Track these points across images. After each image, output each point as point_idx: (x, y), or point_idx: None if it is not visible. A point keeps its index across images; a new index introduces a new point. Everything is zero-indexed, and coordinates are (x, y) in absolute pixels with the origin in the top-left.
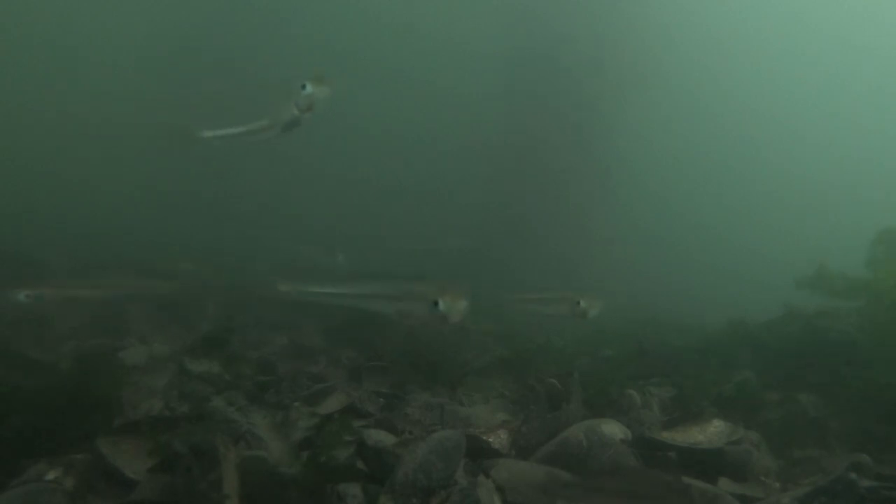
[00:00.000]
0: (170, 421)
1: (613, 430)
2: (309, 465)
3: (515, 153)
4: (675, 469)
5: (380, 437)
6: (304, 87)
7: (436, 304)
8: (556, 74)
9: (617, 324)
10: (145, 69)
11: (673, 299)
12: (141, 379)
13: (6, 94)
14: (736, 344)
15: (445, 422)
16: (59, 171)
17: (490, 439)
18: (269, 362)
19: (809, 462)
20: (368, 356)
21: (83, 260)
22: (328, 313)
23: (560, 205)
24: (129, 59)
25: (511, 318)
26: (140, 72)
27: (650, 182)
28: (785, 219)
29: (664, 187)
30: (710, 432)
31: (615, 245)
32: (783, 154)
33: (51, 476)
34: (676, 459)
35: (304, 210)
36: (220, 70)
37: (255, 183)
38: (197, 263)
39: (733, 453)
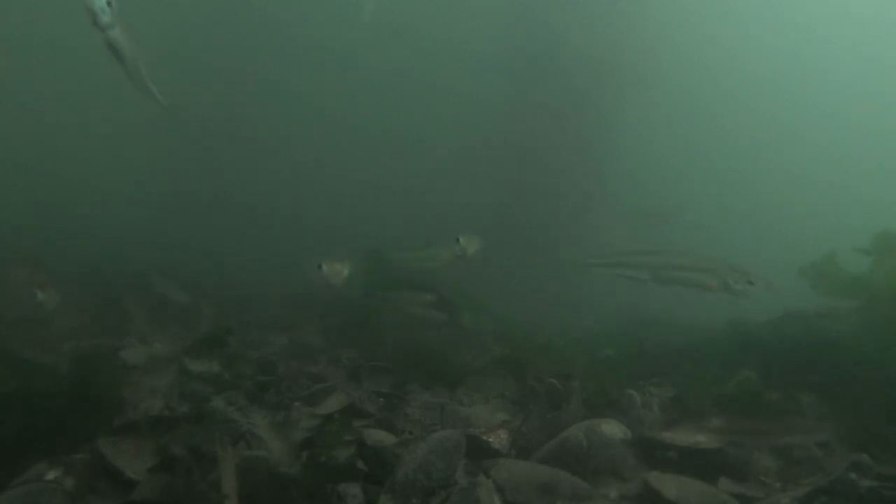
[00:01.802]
0: (170, 421)
1: (613, 429)
2: (309, 465)
3: (515, 153)
4: (675, 469)
5: (380, 437)
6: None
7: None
8: (555, 75)
9: (617, 324)
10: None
11: (674, 299)
12: (141, 379)
13: (6, 95)
14: (736, 344)
15: (445, 422)
16: (60, 171)
17: (490, 439)
18: (269, 362)
19: (809, 462)
20: (368, 356)
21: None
22: (328, 313)
23: (560, 205)
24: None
25: (510, 317)
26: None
27: (650, 182)
28: (785, 219)
29: (664, 187)
30: None
31: (614, 244)
32: (783, 154)
33: (51, 476)
34: (677, 459)
35: (305, 210)
36: (220, 70)
37: (259, 182)
38: None
39: (733, 453)
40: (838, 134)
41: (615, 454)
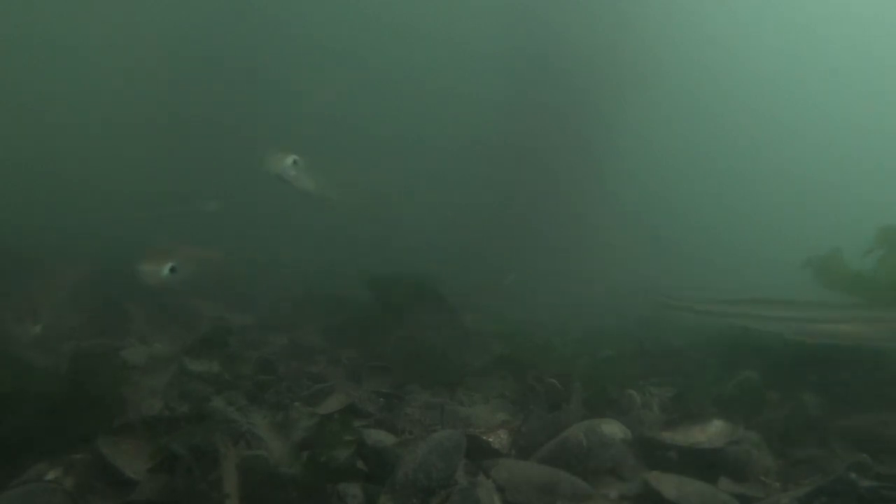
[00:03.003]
0: (170, 421)
1: (613, 429)
2: (309, 465)
3: (515, 153)
4: (675, 469)
5: (380, 437)
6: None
7: None
8: (555, 75)
9: (617, 323)
10: (144, 69)
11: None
12: (141, 379)
13: (6, 95)
14: (736, 343)
15: (445, 422)
16: (60, 171)
17: (490, 439)
18: (269, 362)
19: (809, 462)
20: (368, 356)
21: None
22: (328, 313)
23: (560, 205)
24: (130, 58)
25: (510, 316)
26: (139, 71)
27: (650, 182)
28: (785, 219)
29: (664, 187)
30: (711, 432)
31: (615, 244)
32: (783, 154)
33: (51, 476)
34: (677, 459)
35: (305, 210)
36: (219, 70)
37: (258, 184)
38: None
39: (733, 453)
40: (838, 134)
41: (615, 454)
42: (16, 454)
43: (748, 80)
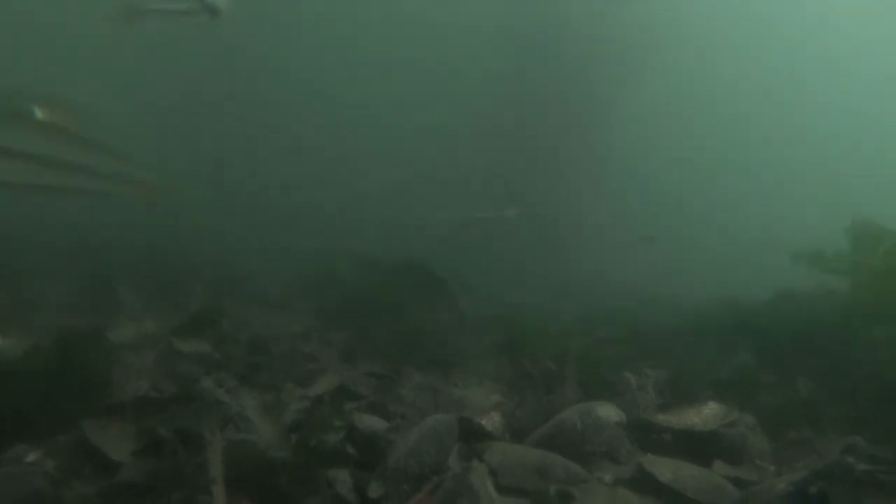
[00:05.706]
0: (157, 402)
1: (609, 412)
2: (298, 450)
3: (514, 139)
4: (670, 452)
5: (371, 422)
6: None
7: None
8: (555, 61)
9: (612, 305)
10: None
11: (670, 282)
12: (129, 358)
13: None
14: (730, 326)
15: (439, 404)
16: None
17: (484, 422)
18: (260, 342)
19: (804, 445)
20: (363, 337)
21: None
22: (323, 294)
23: (559, 190)
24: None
25: (506, 299)
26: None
27: (648, 170)
28: (780, 207)
29: (662, 174)
30: (706, 415)
31: (613, 229)
32: (781, 144)
33: (31, 458)
34: (672, 442)
35: (309, 196)
36: (221, 59)
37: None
38: None
39: (728, 436)
40: (836, 124)
41: (610, 437)
42: None
43: (748, 71)
